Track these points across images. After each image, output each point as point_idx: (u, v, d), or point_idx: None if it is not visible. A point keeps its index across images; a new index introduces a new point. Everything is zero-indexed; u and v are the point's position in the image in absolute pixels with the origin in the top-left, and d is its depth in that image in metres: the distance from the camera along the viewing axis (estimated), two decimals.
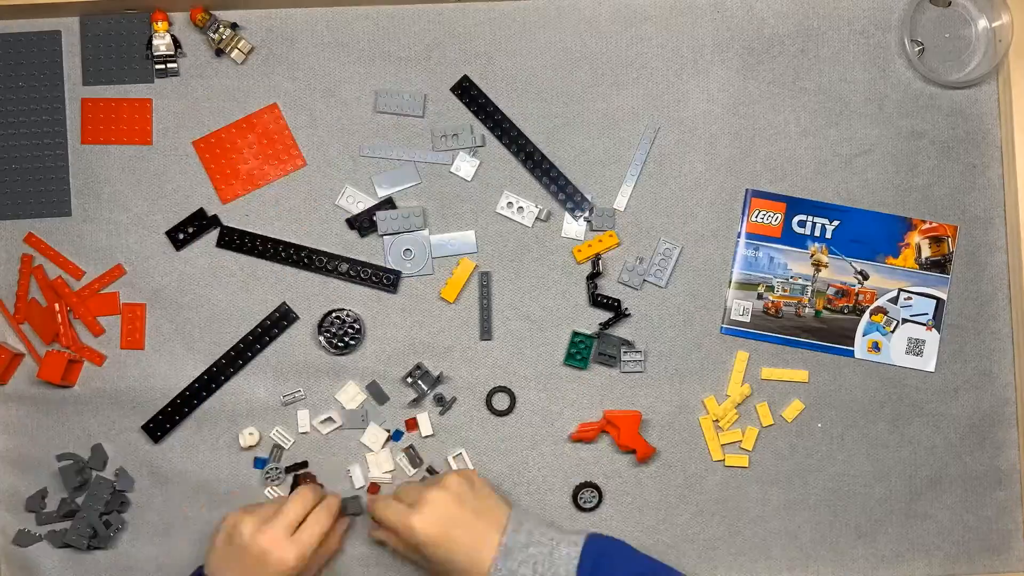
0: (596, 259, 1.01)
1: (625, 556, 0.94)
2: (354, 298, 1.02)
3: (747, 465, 1.03)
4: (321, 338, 1.01)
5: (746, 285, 1.03)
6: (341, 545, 1.00)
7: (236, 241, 1.01)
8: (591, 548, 0.92)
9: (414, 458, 1.02)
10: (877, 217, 1.03)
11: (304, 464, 1.01)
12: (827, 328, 1.03)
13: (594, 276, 1.02)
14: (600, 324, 1.02)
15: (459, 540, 0.91)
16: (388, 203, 1.02)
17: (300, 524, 0.93)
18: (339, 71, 1.02)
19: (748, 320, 1.02)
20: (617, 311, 1.01)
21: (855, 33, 1.04)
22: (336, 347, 1.01)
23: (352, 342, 1.01)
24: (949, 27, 1.05)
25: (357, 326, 1.00)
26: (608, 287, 1.03)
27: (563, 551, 0.91)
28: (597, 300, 1.02)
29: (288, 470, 1.01)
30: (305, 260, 1.01)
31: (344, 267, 1.01)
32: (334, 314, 1.01)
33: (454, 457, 1.01)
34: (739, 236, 1.02)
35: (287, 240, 1.02)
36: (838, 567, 1.03)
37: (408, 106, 1.02)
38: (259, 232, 1.02)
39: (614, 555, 0.93)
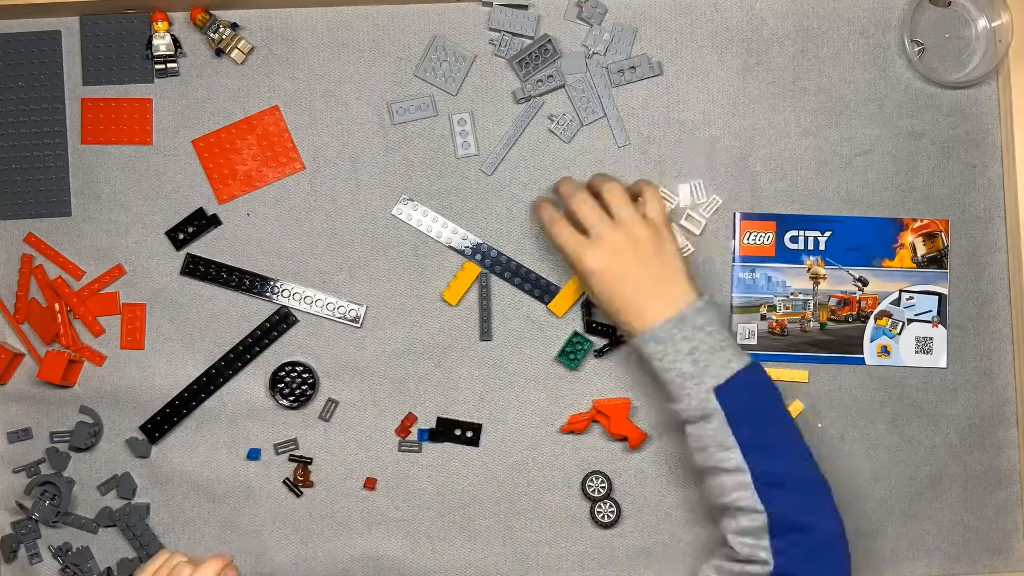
0: None
1: (775, 403, 0.91)
2: (359, 291, 1.02)
3: None
4: (277, 396, 1.00)
5: (748, 308, 1.03)
6: None
7: (201, 270, 1.01)
8: (752, 371, 0.90)
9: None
10: (868, 222, 1.03)
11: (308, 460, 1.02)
12: (834, 339, 1.03)
13: (591, 303, 1.01)
14: (596, 351, 1.02)
15: (624, 291, 0.91)
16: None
17: None
18: (339, 71, 1.02)
19: (755, 343, 1.02)
20: (612, 337, 1.01)
21: (855, 33, 1.04)
22: (292, 402, 1.00)
23: (309, 392, 1.01)
24: (949, 27, 1.05)
25: (309, 377, 1.00)
26: None
27: (727, 355, 0.89)
28: (593, 327, 1.02)
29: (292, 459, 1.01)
30: (268, 294, 1.01)
31: (315, 306, 1.01)
32: (285, 370, 1.01)
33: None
34: (734, 260, 1.02)
35: (252, 271, 1.02)
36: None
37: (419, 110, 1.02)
38: (259, 232, 1.02)
39: (766, 394, 0.91)
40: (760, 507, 0.87)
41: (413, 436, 1.02)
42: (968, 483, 1.04)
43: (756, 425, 0.89)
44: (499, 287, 1.03)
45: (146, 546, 1.01)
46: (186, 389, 1.01)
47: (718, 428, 0.88)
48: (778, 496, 0.87)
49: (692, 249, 1.02)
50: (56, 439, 1.01)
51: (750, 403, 0.89)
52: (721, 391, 0.88)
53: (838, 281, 1.03)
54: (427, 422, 1.02)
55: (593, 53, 1.02)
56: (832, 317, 1.03)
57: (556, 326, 1.03)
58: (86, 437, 1.00)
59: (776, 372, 1.02)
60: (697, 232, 1.02)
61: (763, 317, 1.03)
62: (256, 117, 1.02)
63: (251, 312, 1.02)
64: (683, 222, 1.02)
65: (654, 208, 0.94)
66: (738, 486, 0.87)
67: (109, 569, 1.01)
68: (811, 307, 1.03)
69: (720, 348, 0.89)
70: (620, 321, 0.93)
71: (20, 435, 1.01)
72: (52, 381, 0.98)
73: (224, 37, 1.01)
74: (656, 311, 0.90)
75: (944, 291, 1.03)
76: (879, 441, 1.03)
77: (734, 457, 0.87)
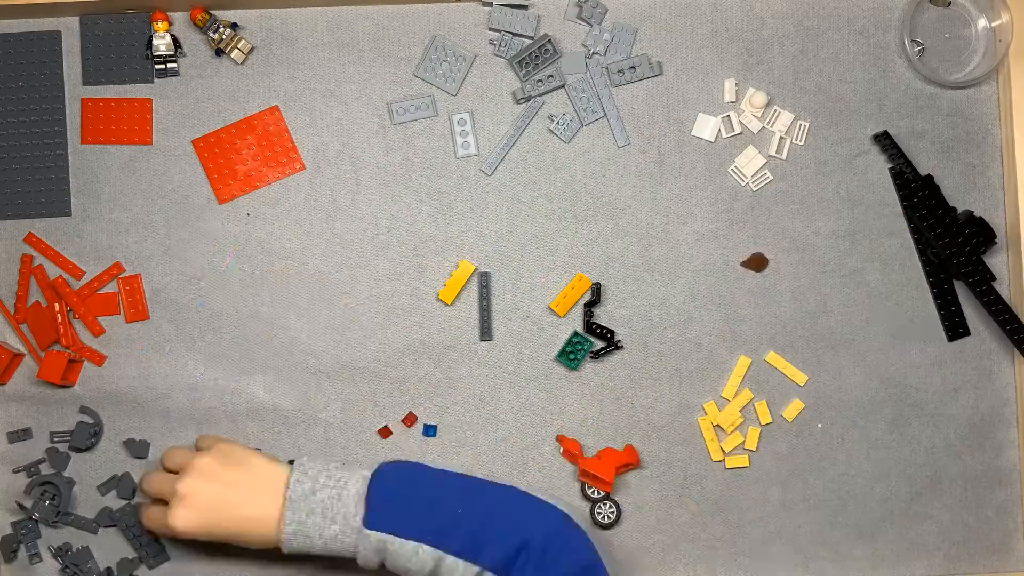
0: (596, 287, 1.01)
1: (417, 478, 0.91)
2: (362, 282, 1.02)
3: (747, 465, 1.03)
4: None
5: None
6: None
7: None
8: (380, 480, 0.90)
9: None
10: None
11: None
12: None
13: (592, 304, 1.01)
14: (591, 353, 1.02)
15: (232, 518, 0.90)
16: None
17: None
18: (339, 71, 1.02)
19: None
20: (610, 342, 1.01)
21: (855, 33, 1.04)
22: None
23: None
24: (949, 27, 1.05)
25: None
26: (606, 315, 1.03)
27: (352, 489, 0.89)
28: (592, 328, 1.02)
29: None
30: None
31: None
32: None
33: None
34: None
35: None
36: (838, 567, 1.03)
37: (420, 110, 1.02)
38: (259, 232, 1.02)
39: (407, 480, 0.91)
40: (476, 568, 0.88)
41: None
42: (968, 483, 1.04)
43: (415, 516, 0.89)
44: (499, 287, 1.03)
45: (146, 546, 1.00)
46: (186, 389, 1.01)
47: (395, 549, 0.88)
48: (486, 550, 0.88)
49: (770, 179, 1.03)
50: (56, 439, 1.01)
51: (395, 506, 0.89)
52: (369, 521, 0.88)
53: None
54: (427, 421, 1.02)
55: (593, 53, 1.02)
56: None
57: (556, 326, 1.03)
58: (86, 437, 1.00)
59: (780, 361, 1.02)
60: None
61: None
62: (256, 117, 1.02)
63: (251, 312, 1.02)
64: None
65: (204, 442, 0.97)
66: (450, 571, 0.88)
67: (109, 569, 1.01)
68: None
69: (340, 488, 0.89)
70: (254, 542, 0.91)
71: (20, 435, 1.01)
72: (52, 381, 0.98)
73: (224, 37, 1.01)
74: (268, 515, 0.89)
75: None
76: (879, 441, 1.03)
77: (427, 555, 0.88)
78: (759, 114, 1.02)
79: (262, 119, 1.02)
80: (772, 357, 1.03)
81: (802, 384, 1.03)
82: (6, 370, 1.00)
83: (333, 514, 0.88)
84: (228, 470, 0.91)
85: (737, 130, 1.02)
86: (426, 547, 0.88)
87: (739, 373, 1.02)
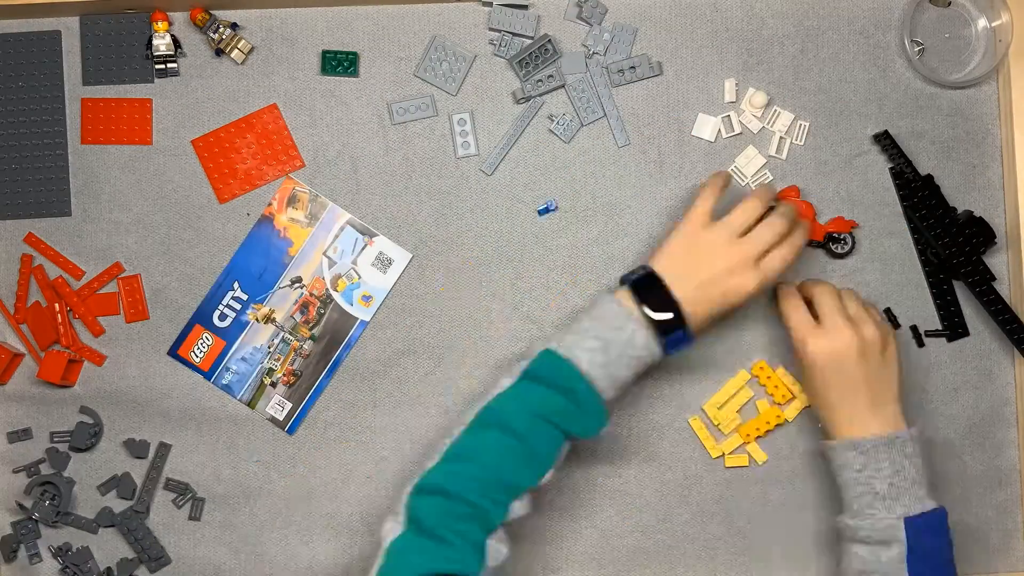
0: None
1: (948, 555, 0.91)
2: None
3: (747, 465, 1.03)
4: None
5: None
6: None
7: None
8: (938, 517, 0.91)
9: None
10: None
11: None
12: None
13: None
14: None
15: (840, 397, 0.91)
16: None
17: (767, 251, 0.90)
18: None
19: None
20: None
21: (855, 33, 1.04)
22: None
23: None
24: (949, 27, 1.05)
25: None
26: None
27: (924, 491, 0.90)
28: None
29: None
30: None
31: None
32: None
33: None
34: None
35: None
36: (838, 567, 1.03)
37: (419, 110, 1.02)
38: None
39: (943, 545, 0.91)
40: None
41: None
42: (968, 483, 1.04)
43: (931, 569, 0.89)
44: (499, 287, 1.03)
45: (148, 549, 1.00)
46: (186, 388, 1.01)
47: (893, 559, 0.88)
48: None
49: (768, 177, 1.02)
50: (56, 439, 1.01)
51: (932, 545, 0.90)
52: (910, 523, 0.89)
53: None
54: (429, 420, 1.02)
55: (593, 53, 1.02)
56: None
57: (556, 326, 1.03)
58: (86, 437, 1.00)
59: (778, 375, 1.03)
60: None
61: None
62: (255, 115, 1.02)
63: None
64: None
65: (883, 318, 0.97)
66: None
67: (109, 569, 1.01)
68: None
69: (918, 482, 0.91)
70: (824, 417, 0.94)
71: (20, 435, 1.01)
72: (52, 381, 0.98)
73: (224, 37, 1.01)
74: (868, 423, 0.91)
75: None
76: None
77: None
78: (759, 114, 1.02)
79: (261, 117, 1.02)
80: (781, 372, 1.03)
81: (808, 403, 1.03)
82: (6, 370, 1.01)
83: (897, 483, 0.90)
84: (878, 361, 0.93)
85: (737, 130, 1.02)
86: None
87: (738, 383, 1.02)
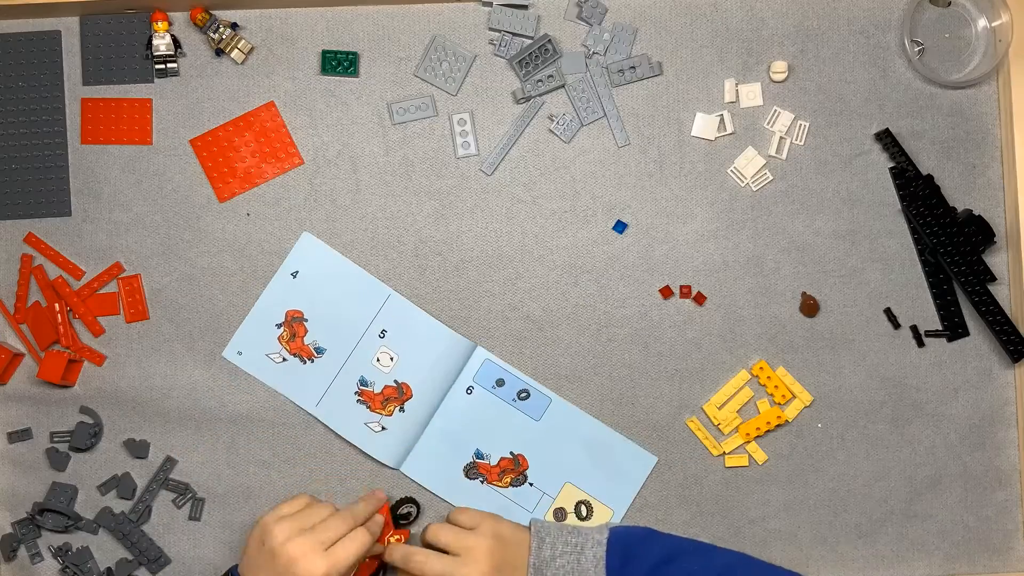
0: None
1: (651, 541, 0.94)
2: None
3: (747, 465, 1.03)
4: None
5: None
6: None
7: None
8: (616, 542, 0.92)
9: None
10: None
11: (411, 502, 1.01)
12: None
13: None
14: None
15: None
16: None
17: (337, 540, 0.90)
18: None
19: None
20: None
21: (855, 33, 1.04)
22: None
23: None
24: (949, 27, 1.05)
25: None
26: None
27: (589, 554, 0.92)
28: None
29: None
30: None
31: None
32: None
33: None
34: None
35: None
36: (838, 567, 1.03)
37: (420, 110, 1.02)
38: (259, 232, 1.02)
39: (640, 542, 0.93)
40: None
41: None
42: (968, 483, 1.04)
43: (649, 562, 0.92)
44: (499, 287, 1.03)
45: (145, 552, 1.00)
46: (186, 389, 1.01)
47: None
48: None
49: (770, 178, 1.03)
50: (56, 439, 1.01)
51: (631, 557, 0.91)
52: (610, 570, 0.91)
53: None
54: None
55: (593, 53, 1.02)
56: None
57: (556, 326, 1.03)
58: (86, 437, 1.00)
59: (782, 376, 1.03)
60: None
61: None
62: (252, 114, 1.02)
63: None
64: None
65: (468, 519, 0.96)
66: None
67: (109, 569, 1.01)
68: None
69: (580, 553, 0.92)
70: None
71: (20, 435, 1.01)
72: (52, 381, 0.98)
73: (224, 37, 1.01)
74: (521, 571, 0.92)
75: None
76: (879, 441, 1.03)
77: None
78: (782, 78, 1.01)
79: (259, 115, 1.02)
80: (781, 372, 1.03)
81: (808, 403, 1.03)
82: (6, 370, 1.01)
83: None
84: (500, 528, 0.94)
85: (729, 130, 1.02)
86: None
87: (737, 383, 1.03)
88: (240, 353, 1.01)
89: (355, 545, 0.89)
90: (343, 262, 1.01)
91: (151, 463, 1.02)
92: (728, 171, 1.03)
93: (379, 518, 0.96)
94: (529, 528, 0.96)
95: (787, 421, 1.03)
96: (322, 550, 0.88)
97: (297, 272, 1.01)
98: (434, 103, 1.02)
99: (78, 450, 1.01)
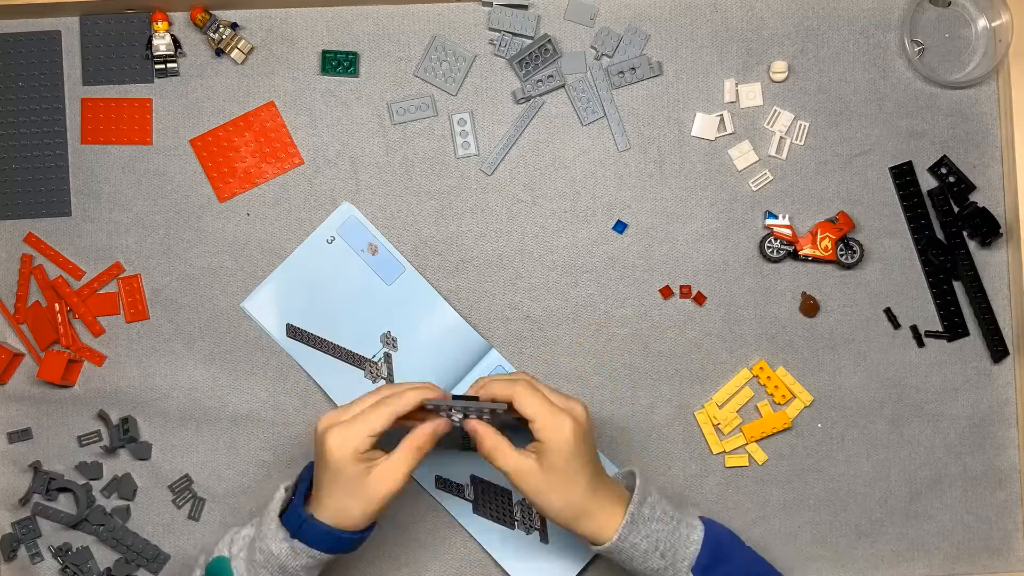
0: None
1: (738, 549, 0.93)
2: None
3: (747, 464, 1.03)
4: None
5: None
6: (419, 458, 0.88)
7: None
8: (710, 535, 0.91)
9: None
10: None
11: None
12: None
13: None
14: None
15: (577, 500, 0.87)
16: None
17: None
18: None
19: None
20: None
21: (855, 33, 1.04)
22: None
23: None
24: (949, 27, 1.05)
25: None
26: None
27: (683, 532, 0.90)
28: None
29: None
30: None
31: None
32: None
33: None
34: None
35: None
36: (838, 567, 1.03)
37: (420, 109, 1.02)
38: (259, 232, 1.02)
39: (730, 546, 0.92)
40: None
41: None
42: (968, 483, 1.04)
43: (732, 572, 0.91)
44: (499, 287, 1.03)
45: (142, 552, 1.00)
46: (186, 389, 1.01)
47: None
48: None
49: (770, 178, 1.03)
50: (85, 442, 1.01)
51: (720, 559, 0.90)
52: (697, 569, 0.89)
53: None
54: None
55: (602, 55, 1.02)
56: None
57: (557, 326, 1.03)
58: (118, 438, 1.00)
59: (782, 376, 1.03)
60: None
61: None
62: (252, 113, 1.02)
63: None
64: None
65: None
66: None
67: (109, 569, 1.01)
68: None
69: (676, 528, 0.90)
70: (581, 528, 0.88)
71: (20, 435, 1.01)
72: (52, 381, 0.98)
73: (224, 37, 1.01)
74: (607, 517, 0.88)
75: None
76: (879, 441, 1.03)
77: None
78: (782, 78, 1.01)
79: (258, 115, 1.02)
80: (781, 372, 1.03)
81: (808, 403, 1.03)
82: (6, 370, 1.01)
83: (664, 550, 0.89)
84: (591, 442, 0.89)
85: (729, 130, 1.02)
86: None
87: (738, 382, 1.03)
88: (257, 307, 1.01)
89: (375, 420, 0.86)
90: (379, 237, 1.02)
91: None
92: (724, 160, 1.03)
93: (412, 393, 0.88)
94: (631, 474, 0.92)
95: (789, 427, 1.03)
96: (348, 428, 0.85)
97: (333, 238, 1.01)
98: (434, 103, 1.02)
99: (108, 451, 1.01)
